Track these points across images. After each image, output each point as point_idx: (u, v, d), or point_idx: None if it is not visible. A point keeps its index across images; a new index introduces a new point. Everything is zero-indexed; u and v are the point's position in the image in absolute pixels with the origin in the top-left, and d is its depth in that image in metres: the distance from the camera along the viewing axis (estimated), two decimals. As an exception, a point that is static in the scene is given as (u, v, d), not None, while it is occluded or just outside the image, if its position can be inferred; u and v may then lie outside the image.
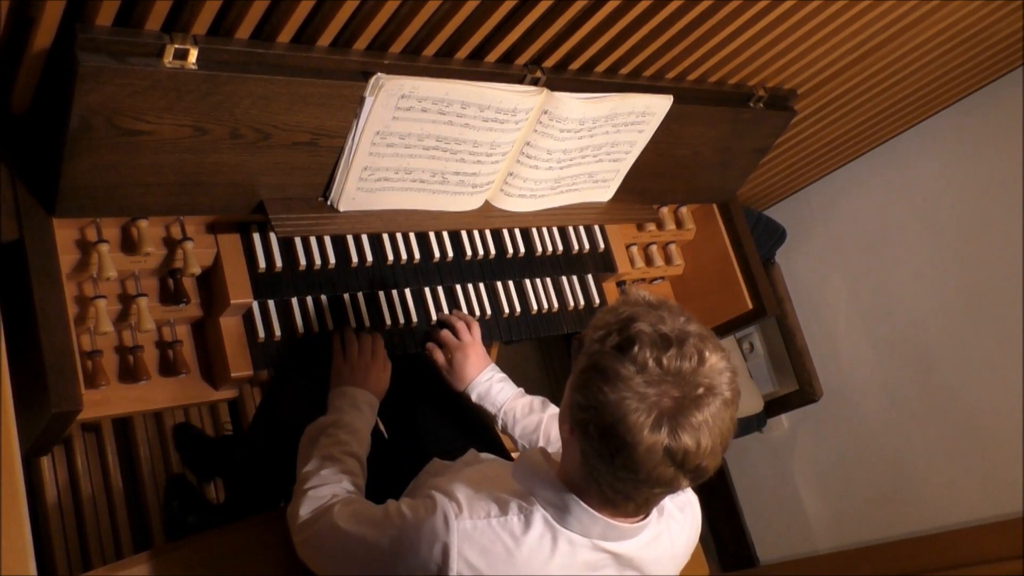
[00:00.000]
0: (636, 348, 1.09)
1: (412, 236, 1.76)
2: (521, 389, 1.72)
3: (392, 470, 1.59)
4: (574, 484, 1.22)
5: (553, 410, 1.67)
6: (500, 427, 1.69)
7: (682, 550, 1.36)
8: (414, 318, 1.75)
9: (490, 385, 1.69)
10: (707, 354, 1.11)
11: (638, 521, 1.25)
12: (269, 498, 1.82)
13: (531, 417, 1.65)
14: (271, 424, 1.72)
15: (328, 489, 1.40)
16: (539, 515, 1.23)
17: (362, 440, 1.51)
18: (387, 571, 1.25)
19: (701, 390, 1.09)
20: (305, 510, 1.39)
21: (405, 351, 1.72)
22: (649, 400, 1.08)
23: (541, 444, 1.62)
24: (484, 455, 1.60)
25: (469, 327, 1.75)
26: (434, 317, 1.78)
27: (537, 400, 1.68)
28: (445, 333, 1.73)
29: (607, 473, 1.15)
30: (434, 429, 1.75)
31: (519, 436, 1.66)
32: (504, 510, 1.23)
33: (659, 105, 1.80)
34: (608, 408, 1.09)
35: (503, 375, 1.72)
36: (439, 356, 1.72)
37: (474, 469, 1.42)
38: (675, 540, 1.34)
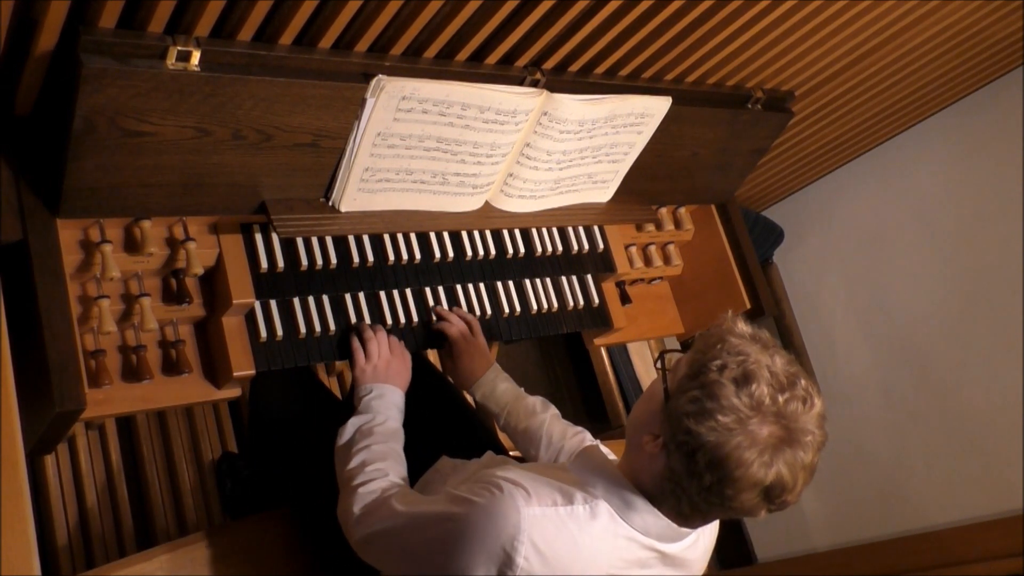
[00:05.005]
0: (755, 386, 1.15)
1: (413, 236, 1.76)
2: (522, 389, 1.76)
3: None
4: (644, 489, 1.26)
5: (553, 411, 1.70)
6: (502, 425, 1.73)
7: (710, 549, 1.41)
8: (415, 318, 1.76)
9: (495, 384, 1.73)
10: (815, 399, 1.18)
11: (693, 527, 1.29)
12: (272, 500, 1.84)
13: (533, 418, 1.68)
14: (265, 431, 1.74)
15: (377, 484, 1.42)
16: (604, 507, 1.26)
17: (397, 436, 1.54)
18: (451, 558, 1.24)
19: (808, 437, 1.16)
20: (358, 506, 1.39)
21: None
22: (761, 439, 1.14)
23: (544, 444, 1.65)
24: (501, 457, 1.62)
25: (472, 326, 1.78)
26: (435, 318, 1.79)
27: (539, 401, 1.72)
28: (457, 330, 1.75)
29: (696, 494, 1.19)
30: (436, 426, 1.77)
31: (521, 435, 1.69)
32: (569, 499, 1.25)
33: (658, 106, 1.81)
34: (722, 442, 1.14)
35: (506, 375, 1.76)
36: (454, 342, 1.74)
37: (525, 465, 1.43)
38: (707, 541, 1.38)
